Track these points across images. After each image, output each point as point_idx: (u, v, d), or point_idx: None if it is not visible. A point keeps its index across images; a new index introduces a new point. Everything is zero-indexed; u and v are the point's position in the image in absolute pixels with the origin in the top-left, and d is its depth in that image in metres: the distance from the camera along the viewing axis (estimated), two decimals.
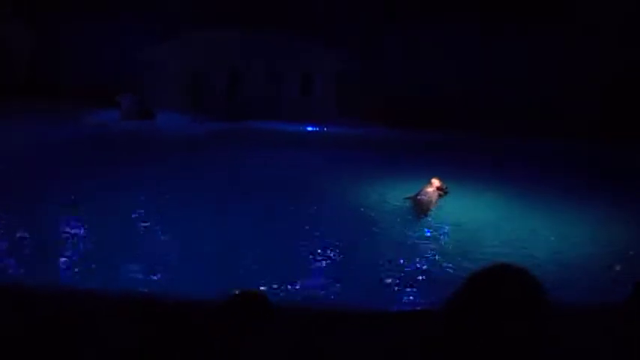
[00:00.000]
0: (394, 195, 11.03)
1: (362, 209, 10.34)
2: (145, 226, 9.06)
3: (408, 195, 10.64)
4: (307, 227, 9.24)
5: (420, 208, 10.16)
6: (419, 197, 10.50)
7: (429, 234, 9.47)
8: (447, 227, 9.77)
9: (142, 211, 9.60)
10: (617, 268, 7.84)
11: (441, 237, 9.37)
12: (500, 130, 18.21)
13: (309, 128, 19.61)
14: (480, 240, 8.94)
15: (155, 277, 7.40)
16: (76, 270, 7.52)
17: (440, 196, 10.57)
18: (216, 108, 19.49)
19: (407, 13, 20.23)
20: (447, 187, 10.68)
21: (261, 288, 6.83)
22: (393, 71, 20.60)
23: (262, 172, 12.66)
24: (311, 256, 8.15)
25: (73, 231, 8.74)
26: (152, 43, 19.98)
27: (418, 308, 7.02)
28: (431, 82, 20.05)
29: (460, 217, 10.04)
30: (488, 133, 18.22)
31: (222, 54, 20.46)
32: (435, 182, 10.63)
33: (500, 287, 1.70)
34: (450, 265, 8.01)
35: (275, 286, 7.12)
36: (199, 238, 8.50)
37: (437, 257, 8.33)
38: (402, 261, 8.10)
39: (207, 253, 7.88)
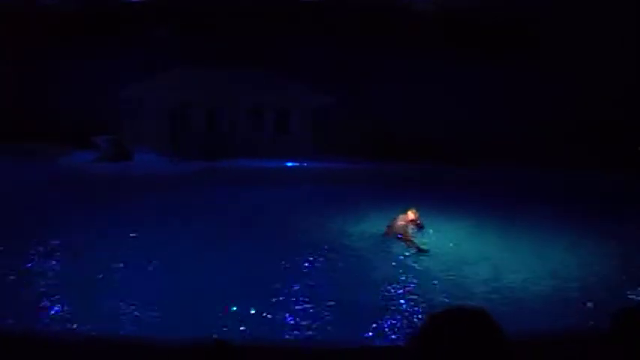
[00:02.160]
0: (371, 229, 11.28)
1: (337, 245, 10.51)
2: (114, 267, 8.90)
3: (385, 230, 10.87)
4: (282, 265, 9.32)
5: (393, 234, 10.37)
6: (388, 230, 10.71)
7: (400, 269, 9.41)
8: (420, 260, 9.94)
9: (111, 253, 9.46)
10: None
11: (413, 270, 9.29)
12: (478, 161, 18.57)
13: (288, 164, 19.68)
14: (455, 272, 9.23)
15: (125, 318, 7.30)
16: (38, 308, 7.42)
17: (416, 227, 10.64)
18: (194, 147, 19.55)
19: (381, 51, 20.73)
20: (420, 221, 10.74)
21: (229, 330, 6.64)
22: (368, 107, 21.01)
23: (238, 211, 12.80)
24: (282, 295, 8.02)
25: (34, 270, 8.77)
26: (130, 82, 20.04)
27: (386, 344, 6.91)
28: (406, 117, 20.45)
29: (438, 249, 10.28)
30: (465, 164, 18.60)
31: (200, 92, 20.57)
32: (410, 215, 10.64)
33: (455, 329, 1.74)
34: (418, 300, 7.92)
35: (246, 324, 7.05)
36: (169, 280, 8.34)
37: (408, 293, 8.25)
38: (373, 296, 8.01)
39: (177, 294, 7.73)
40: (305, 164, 18.99)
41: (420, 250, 10.11)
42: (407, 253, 10.10)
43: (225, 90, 20.13)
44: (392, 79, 20.57)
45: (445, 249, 10.34)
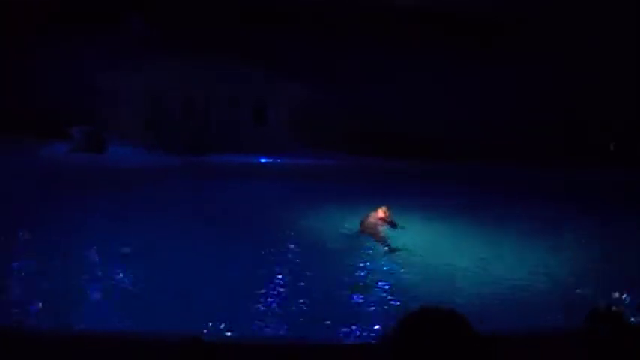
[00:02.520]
0: (345, 226, 11.11)
1: (311, 242, 10.37)
2: (84, 262, 8.69)
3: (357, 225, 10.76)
4: (252, 263, 9.21)
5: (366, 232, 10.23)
6: (361, 227, 10.52)
7: (372, 268, 9.34)
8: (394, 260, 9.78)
9: (80, 248, 9.24)
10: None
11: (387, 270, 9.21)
12: (460, 157, 18.13)
13: (263, 160, 19.26)
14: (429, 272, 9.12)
15: (96, 313, 7.33)
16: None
17: (387, 224, 10.43)
18: (172, 139, 19.16)
19: (362, 43, 20.38)
20: (391, 220, 10.53)
21: (202, 328, 6.54)
22: (348, 100, 20.51)
23: (213, 206, 12.50)
24: (253, 293, 7.92)
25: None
26: (107, 71, 19.56)
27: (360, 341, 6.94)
28: (388, 110, 20.18)
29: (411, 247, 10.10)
30: (446, 159, 18.22)
31: (178, 84, 20.20)
32: (380, 212, 10.46)
33: (426, 330, 1.75)
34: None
35: (222, 322, 6.99)
36: (139, 277, 8.16)
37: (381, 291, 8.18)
38: (344, 295, 7.93)
39: (146, 292, 7.57)
40: (279, 160, 18.64)
41: (392, 250, 9.96)
42: (381, 252, 10.03)
43: (203, 80, 19.72)
44: (377, 73, 20.32)
45: (422, 248, 10.18)
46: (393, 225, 10.49)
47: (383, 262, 9.61)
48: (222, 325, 6.88)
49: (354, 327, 7.19)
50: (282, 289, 8.17)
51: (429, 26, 19.79)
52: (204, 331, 6.44)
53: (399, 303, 7.83)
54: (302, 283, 8.38)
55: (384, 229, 10.37)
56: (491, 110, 19.90)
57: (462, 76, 20.11)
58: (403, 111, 20.22)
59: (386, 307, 7.80)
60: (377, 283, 8.64)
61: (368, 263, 9.53)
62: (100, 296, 7.73)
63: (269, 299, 7.84)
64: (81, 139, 17.05)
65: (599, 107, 19.46)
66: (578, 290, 8.27)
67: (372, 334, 6.94)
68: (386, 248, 9.97)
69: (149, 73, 19.86)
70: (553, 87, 20.04)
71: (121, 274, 8.48)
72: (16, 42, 19.19)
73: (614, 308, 3.61)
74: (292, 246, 9.94)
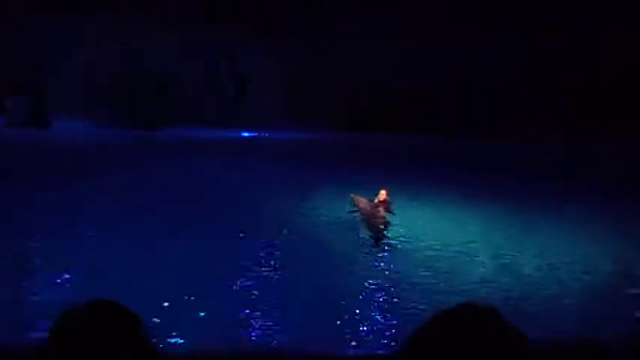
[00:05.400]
0: (336, 210, 9.35)
1: (295, 230, 8.41)
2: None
3: (351, 209, 9.09)
4: (231, 254, 7.42)
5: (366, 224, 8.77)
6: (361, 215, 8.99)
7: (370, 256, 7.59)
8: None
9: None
10: None
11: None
12: (463, 131, 16.53)
13: (245, 134, 16.93)
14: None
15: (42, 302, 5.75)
16: None
17: (386, 210, 8.83)
18: (134, 112, 16.59)
19: (358, 10, 18.19)
20: (391, 205, 8.92)
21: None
22: (343, 71, 18.32)
23: (181, 187, 10.63)
24: (229, 290, 6.34)
25: None
26: (54, 37, 16.82)
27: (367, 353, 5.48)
28: (387, 82, 17.99)
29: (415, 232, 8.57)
30: (449, 135, 16.32)
31: (144, 51, 17.54)
32: (382, 194, 8.92)
33: (466, 330, 1.56)
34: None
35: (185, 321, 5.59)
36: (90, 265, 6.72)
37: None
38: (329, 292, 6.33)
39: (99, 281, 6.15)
40: (266, 134, 16.56)
41: (378, 239, 8.36)
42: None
43: (178, 52, 17.16)
44: (371, 38, 18.14)
45: (421, 238, 8.36)
46: (391, 212, 8.84)
47: (378, 256, 7.63)
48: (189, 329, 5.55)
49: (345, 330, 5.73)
50: (258, 286, 6.55)
51: None
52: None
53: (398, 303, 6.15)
54: (281, 281, 6.72)
55: (382, 216, 8.74)
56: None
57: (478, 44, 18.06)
58: (407, 82, 17.89)
59: (383, 310, 6.13)
60: (369, 281, 6.84)
61: (364, 254, 7.65)
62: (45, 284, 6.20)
63: (243, 297, 6.33)
64: (17, 111, 14.10)
65: None
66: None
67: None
68: (373, 238, 8.39)
69: (115, 44, 17.19)
70: None
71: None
72: None
73: None
74: (274, 234, 8.17)
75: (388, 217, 8.64)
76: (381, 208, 8.73)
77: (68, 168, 11.91)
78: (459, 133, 16.53)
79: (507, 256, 7.53)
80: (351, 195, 8.99)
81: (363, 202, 8.95)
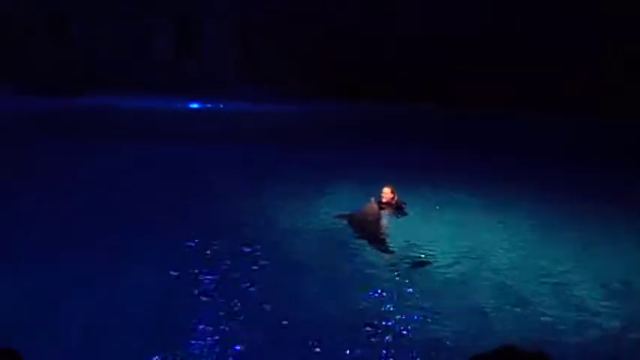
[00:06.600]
0: (322, 217, 7.64)
1: (261, 241, 6.49)
2: None
3: (342, 213, 7.85)
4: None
5: (362, 229, 7.61)
6: (363, 217, 7.82)
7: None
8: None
9: None
10: None
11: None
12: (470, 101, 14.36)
13: (193, 105, 14.20)
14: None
15: None
16: None
17: (396, 208, 8.05)
18: (36, 74, 13.44)
19: None
20: (399, 201, 8.15)
21: None
22: (317, 20, 15.52)
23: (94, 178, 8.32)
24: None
25: None
26: None
27: None
28: (375, 33, 15.75)
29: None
30: (453, 105, 14.28)
31: None
32: (386, 192, 8.11)
33: None
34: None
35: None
36: None
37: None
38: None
39: None
40: (221, 105, 13.99)
41: (379, 242, 7.20)
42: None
43: None
44: None
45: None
46: (399, 207, 8.09)
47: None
48: None
49: None
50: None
51: None
52: None
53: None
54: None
55: (386, 218, 7.85)
56: None
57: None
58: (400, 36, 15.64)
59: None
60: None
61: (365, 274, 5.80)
62: None
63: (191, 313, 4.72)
64: None
65: None
66: None
67: None
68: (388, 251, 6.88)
69: None
70: None
71: None
72: None
73: None
74: (230, 247, 6.23)
75: (389, 217, 7.83)
76: (375, 206, 7.78)
77: None
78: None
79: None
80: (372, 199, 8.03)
81: (369, 207, 7.84)
